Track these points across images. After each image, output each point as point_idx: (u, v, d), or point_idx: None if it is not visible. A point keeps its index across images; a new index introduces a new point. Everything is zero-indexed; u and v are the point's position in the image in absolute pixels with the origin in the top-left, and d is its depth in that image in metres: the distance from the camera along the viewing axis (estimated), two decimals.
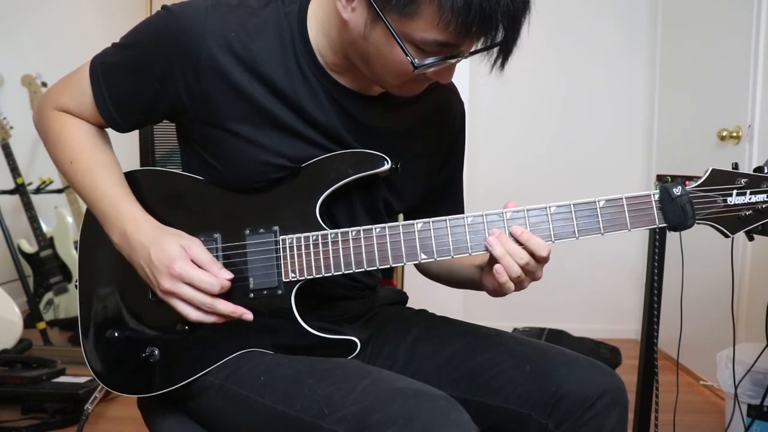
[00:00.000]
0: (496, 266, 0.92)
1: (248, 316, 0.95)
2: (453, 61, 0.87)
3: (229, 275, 0.95)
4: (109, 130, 1.09)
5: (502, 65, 0.88)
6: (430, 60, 0.86)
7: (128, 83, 1.00)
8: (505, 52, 0.86)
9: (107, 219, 1.00)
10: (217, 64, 0.94)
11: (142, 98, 1.00)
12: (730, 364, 1.97)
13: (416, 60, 0.85)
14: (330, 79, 0.98)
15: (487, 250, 0.93)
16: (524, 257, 0.91)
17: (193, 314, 0.94)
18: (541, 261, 0.93)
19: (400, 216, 1.18)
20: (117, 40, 1.02)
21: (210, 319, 0.95)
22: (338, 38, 0.94)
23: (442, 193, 1.18)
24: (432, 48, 0.85)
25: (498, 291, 0.96)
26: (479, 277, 1.03)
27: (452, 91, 1.14)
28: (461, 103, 1.16)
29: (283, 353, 0.99)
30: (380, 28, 0.85)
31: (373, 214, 1.06)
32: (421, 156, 1.10)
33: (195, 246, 0.95)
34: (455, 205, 1.20)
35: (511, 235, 0.92)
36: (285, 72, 0.97)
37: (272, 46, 0.96)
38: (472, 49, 0.86)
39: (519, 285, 0.94)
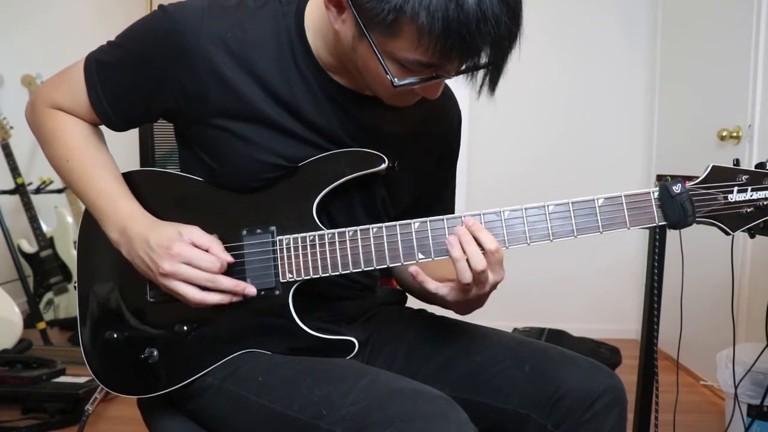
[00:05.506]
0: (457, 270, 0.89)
1: (251, 290, 0.95)
2: (435, 81, 0.87)
3: (230, 258, 0.95)
4: (104, 129, 1.08)
5: (492, 89, 0.87)
6: (411, 79, 0.85)
7: (123, 81, 1.00)
8: (491, 76, 0.85)
9: (105, 216, 0.99)
10: (213, 65, 0.94)
11: (137, 97, 1.00)
12: (730, 364, 1.96)
13: (396, 79, 0.85)
14: (328, 78, 0.98)
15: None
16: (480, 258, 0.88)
17: (196, 295, 0.93)
18: (492, 255, 0.89)
19: None
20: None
21: (211, 299, 0.94)
22: (333, 43, 0.94)
23: (434, 196, 1.18)
24: (414, 67, 0.84)
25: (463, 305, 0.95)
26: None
27: (449, 96, 1.13)
28: (458, 109, 1.16)
29: (281, 354, 0.99)
30: (365, 44, 0.85)
31: (372, 213, 1.05)
32: (417, 157, 1.09)
33: (195, 231, 0.95)
34: (447, 208, 1.19)
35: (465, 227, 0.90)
36: (282, 73, 0.96)
37: (269, 46, 0.96)
38: (459, 69, 0.85)
39: (482, 286, 0.91)
